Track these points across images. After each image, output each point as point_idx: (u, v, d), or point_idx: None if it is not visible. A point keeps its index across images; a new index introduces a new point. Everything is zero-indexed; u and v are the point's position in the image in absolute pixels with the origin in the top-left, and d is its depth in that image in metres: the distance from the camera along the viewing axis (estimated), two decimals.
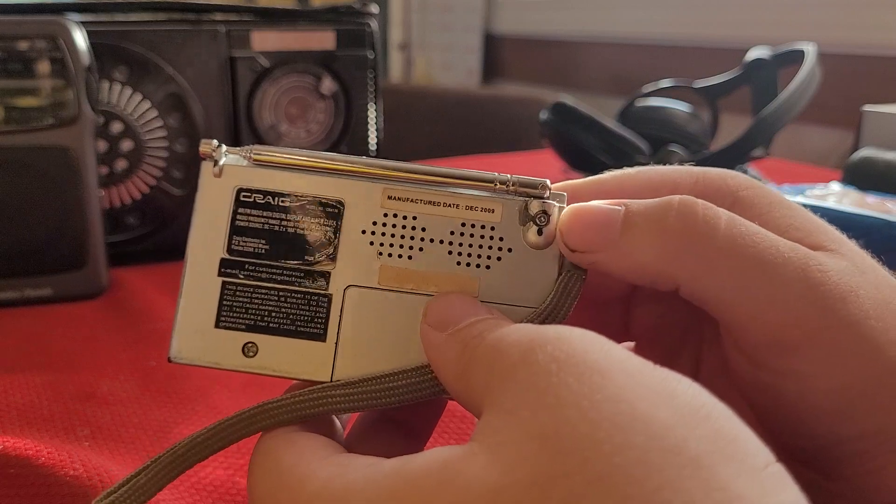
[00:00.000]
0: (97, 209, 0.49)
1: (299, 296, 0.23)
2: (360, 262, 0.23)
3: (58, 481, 0.29)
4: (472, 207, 0.23)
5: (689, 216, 0.21)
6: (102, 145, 0.53)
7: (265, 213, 0.23)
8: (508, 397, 0.18)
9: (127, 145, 0.54)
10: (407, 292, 0.23)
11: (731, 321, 0.21)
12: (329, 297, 0.23)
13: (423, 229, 0.23)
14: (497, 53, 2.19)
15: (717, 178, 0.24)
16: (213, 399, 0.38)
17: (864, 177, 0.61)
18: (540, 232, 0.22)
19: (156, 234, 0.57)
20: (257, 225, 0.23)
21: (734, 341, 0.22)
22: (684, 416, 0.16)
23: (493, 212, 0.23)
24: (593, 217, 0.22)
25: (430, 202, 0.23)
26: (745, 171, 0.74)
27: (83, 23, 0.49)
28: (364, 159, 0.23)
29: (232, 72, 0.57)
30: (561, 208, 0.23)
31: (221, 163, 0.23)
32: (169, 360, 0.23)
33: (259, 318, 0.23)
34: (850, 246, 0.22)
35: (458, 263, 0.23)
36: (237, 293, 0.23)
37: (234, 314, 0.23)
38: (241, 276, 0.23)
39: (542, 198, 0.23)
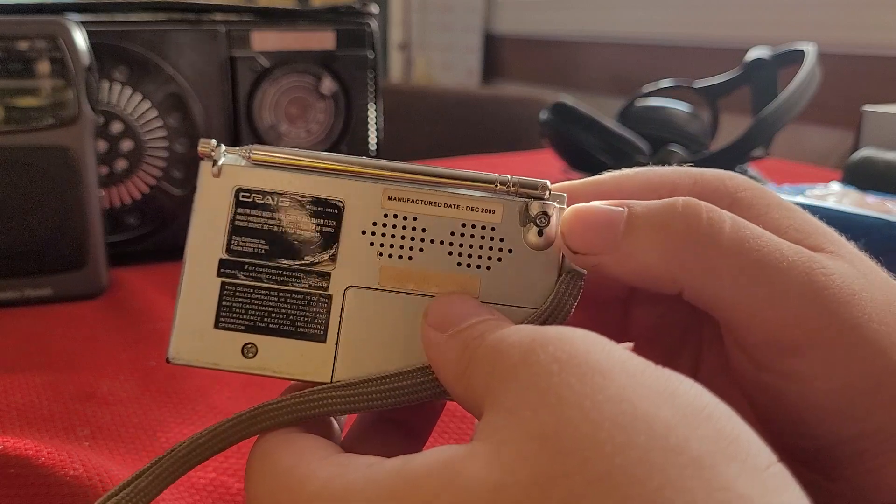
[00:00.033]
0: (97, 209, 0.49)
1: (299, 296, 0.23)
2: (361, 263, 0.23)
3: (58, 481, 0.29)
4: (472, 208, 0.23)
5: (693, 219, 0.21)
6: (102, 145, 0.53)
7: (264, 214, 0.23)
8: (509, 397, 0.18)
9: (127, 145, 0.54)
10: (407, 293, 0.23)
11: (734, 323, 0.21)
12: (329, 298, 0.23)
13: (424, 230, 0.23)
14: (497, 53, 2.19)
15: (716, 179, 0.24)
16: (213, 399, 0.38)
17: (864, 177, 0.61)
18: (540, 233, 0.22)
19: (156, 234, 0.57)
20: (256, 225, 0.23)
21: (737, 343, 0.22)
22: (686, 416, 0.16)
23: (493, 212, 0.23)
24: (595, 218, 0.22)
25: (430, 203, 0.23)
26: (745, 172, 0.75)
27: (83, 23, 0.49)
28: (364, 159, 0.23)
29: (232, 72, 0.57)
30: (561, 209, 0.22)
31: (220, 163, 0.22)
32: (167, 361, 0.23)
33: (259, 318, 0.23)
34: (849, 248, 0.22)
35: (459, 264, 0.23)
36: (236, 294, 0.23)
37: (234, 315, 0.23)
38: (241, 277, 0.23)
39: (542, 199, 0.22)
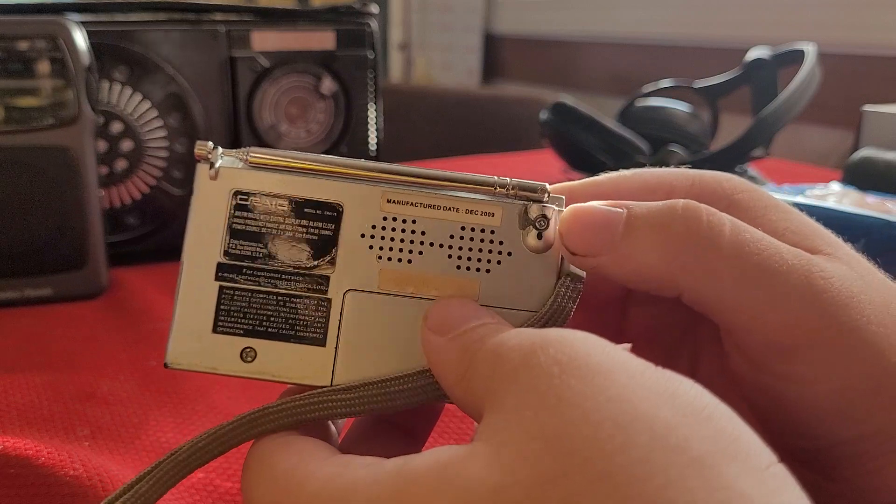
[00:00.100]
0: (97, 209, 0.49)
1: (298, 300, 0.22)
2: (360, 266, 0.22)
3: (58, 481, 0.29)
4: (471, 211, 0.22)
5: (693, 221, 0.21)
6: (102, 145, 0.53)
7: (262, 217, 0.22)
8: (510, 399, 0.18)
9: (127, 145, 0.54)
10: (407, 296, 0.22)
11: (733, 326, 0.21)
12: (329, 302, 0.22)
13: (423, 233, 0.22)
14: (497, 53, 2.19)
15: (713, 180, 0.24)
16: (213, 399, 0.38)
17: (864, 177, 0.61)
18: (539, 236, 0.22)
19: (156, 234, 0.57)
20: (254, 228, 0.22)
21: (736, 345, 0.22)
22: (687, 416, 0.16)
23: (492, 215, 0.22)
24: (594, 218, 0.22)
25: (429, 206, 0.22)
26: (745, 172, 0.75)
27: (83, 23, 0.49)
28: (362, 162, 0.23)
29: (232, 72, 0.57)
30: (560, 212, 0.22)
31: (217, 165, 0.22)
32: (165, 366, 0.22)
33: (257, 322, 0.22)
34: (846, 249, 0.22)
35: (458, 267, 0.23)
36: (235, 297, 0.22)
37: (232, 319, 0.22)
38: (239, 281, 0.22)
39: (541, 202, 0.22)
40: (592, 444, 0.16)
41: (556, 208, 0.22)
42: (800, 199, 0.48)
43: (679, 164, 0.64)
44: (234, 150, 0.23)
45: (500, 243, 0.23)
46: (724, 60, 1.03)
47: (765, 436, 0.17)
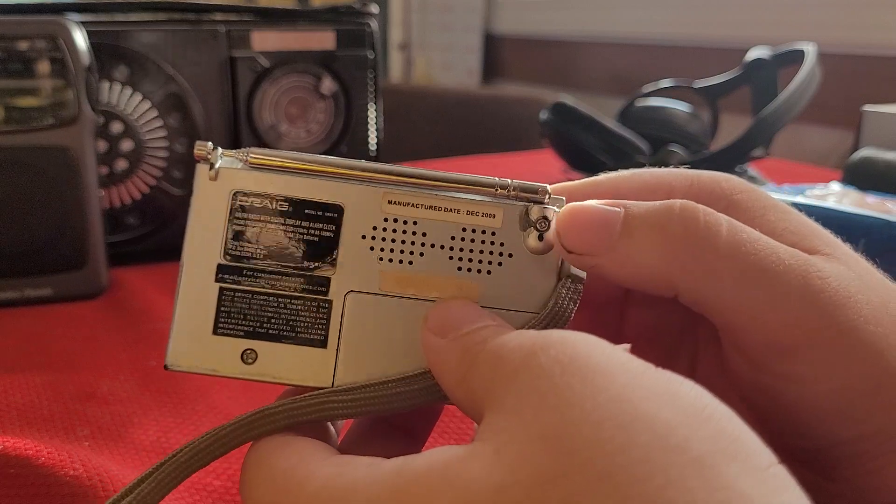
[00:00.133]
0: (97, 209, 0.49)
1: (299, 302, 0.22)
2: (361, 268, 0.22)
3: (58, 481, 0.29)
4: (472, 212, 0.22)
5: (690, 221, 0.21)
6: (102, 145, 0.53)
7: (263, 218, 0.22)
8: (511, 399, 0.18)
9: (127, 145, 0.54)
10: (408, 298, 0.22)
11: (731, 326, 0.21)
12: (329, 303, 0.22)
13: (424, 234, 0.22)
14: (497, 53, 2.19)
15: (712, 181, 0.24)
16: (213, 399, 0.38)
17: (864, 177, 0.61)
18: (540, 237, 0.22)
19: (156, 234, 0.57)
20: (255, 229, 0.22)
21: (734, 345, 0.22)
22: (687, 417, 0.16)
23: (493, 217, 0.22)
24: (591, 217, 0.22)
25: (430, 207, 0.22)
26: (745, 172, 0.75)
27: (83, 23, 0.49)
28: (363, 163, 0.23)
29: (232, 72, 0.57)
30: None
31: (217, 166, 0.22)
32: (165, 368, 0.22)
33: (258, 324, 0.22)
34: (845, 249, 0.22)
35: (459, 269, 0.22)
36: (235, 299, 0.22)
37: (233, 321, 0.22)
38: (239, 282, 0.22)
39: (542, 203, 0.22)
40: (593, 443, 0.16)
41: (557, 210, 0.22)
42: (800, 199, 0.48)
43: (679, 164, 0.64)
44: (234, 151, 0.23)
45: (501, 245, 0.22)
46: (724, 60, 1.03)
47: (764, 436, 0.17)
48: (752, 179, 0.74)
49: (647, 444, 0.16)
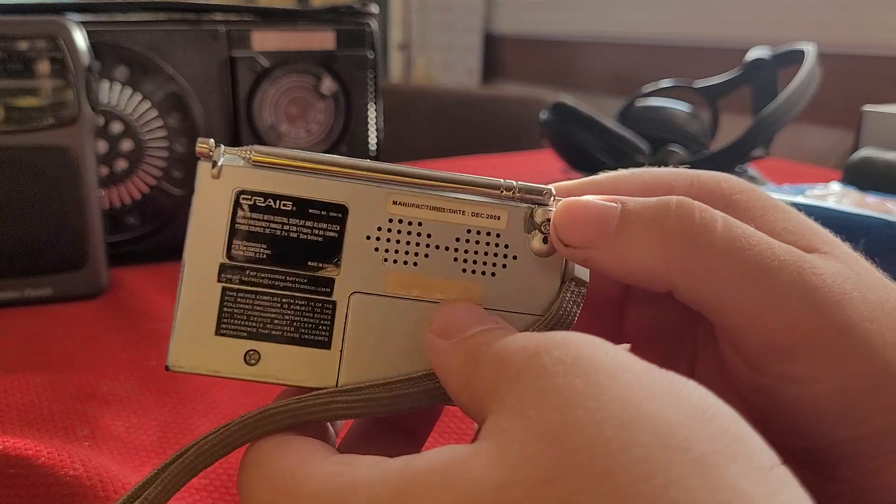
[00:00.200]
0: (97, 209, 0.49)
1: (303, 302, 0.22)
2: (365, 269, 0.22)
3: (58, 481, 0.29)
4: (477, 214, 0.22)
5: (686, 217, 0.21)
6: (102, 145, 0.53)
7: (266, 217, 0.22)
8: (514, 399, 0.18)
9: (127, 145, 0.54)
10: (412, 299, 0.22)
11: (727, 324, 0.21)
12: (333, 304, 0.22)
13: (429, 235, 0.22)
14: (497, 53, 2.19)
15: (711, 181, 0.24)
16: (214, 398, 0.38)
17: (864, 177, 0.61)
18: (545, 240, 0.22)
19: (156, 234, 0.57)
20: (258, 229, 0.22)
21: (731, 344, 0.22)
22: (690, 416, 0.16)
23: (498, 219, 0.22)
24: (588, 211, 0.22)
25: (435, 208, 0.22)
26: (745, 172, 0.75)
27: (83, 23, 0.49)
28: (368, 163, 0.22)
29: (232, 72, 0.57)
30: None
31: (220, 163, 0.22)
32: (167, 369, 0.22)
33: (261, 325, 0.22)
34: (844, 248, 0.22)
35: (464, 270, 0.22)
36: (238, 300, 0.22)
37: (235, 321, 0.22)
38: (242, 282, 0.22)
39: (546, 205, 0.22)
40: (595, 443, 0.16)
41: None
42: (800, 199, 0.48)
43: (679, 164, 0.64)
44: (237, 149, 0.22)
45: (506, 247, 0.22)
46: (724, 60, 1.03)
47: (764, 436, 0.17)
48: (752, 179, 0.74)
49: (649, 444, 0.16)
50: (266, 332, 0.22)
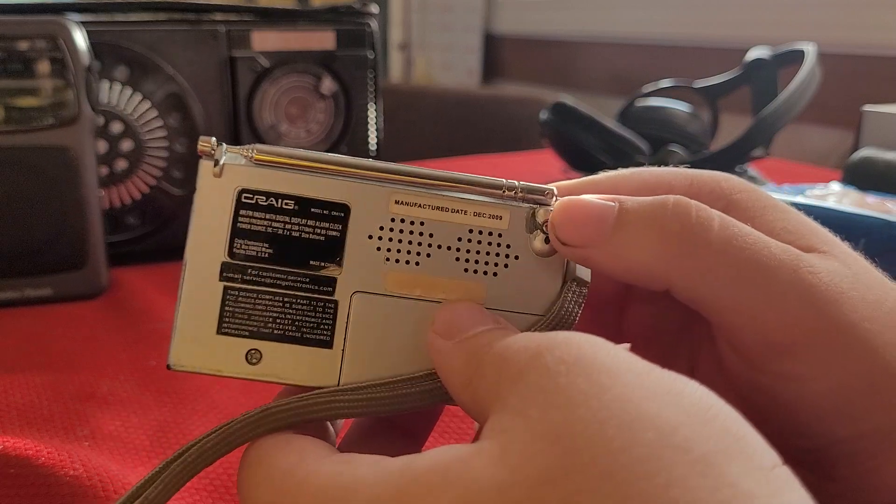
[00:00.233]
0: (97, 209, 0.49)
1: (305, 301, 0.22)
2: (367, 268, 0.22)
3: (58, 481, 0.29)
4: (479, 214, 0.22)
5: (683, 216, 0.21)
6: (102, 145, 0.53)
7: (268, 216, 0.22)
8: (517, 399, 0.18)
9: (127, 145, 0.54)
10: (414, 299, 0.22)
11: (724, 323, 0.21)
12: (335, 304, 0.22)
13: (431, 235, 0.22)
14: (497, 53, 2.19)
15: (711, 180, 0.24)
16: (214, 398, 0.38)
17: (864, 177, 0.61)
18: (547, 240, 0.22)
19: (156, 234, 0.57)
20: (260, 228, 0.22)
21: (728, 342, 0.22)
22: (692, 416, 0.16)
23: (500, 219, 0.22)
24: (586, 210, 0.22)
25: (437, 208, 0.22)
26: (745, 172, 0.75)
27: (83, 23, 0.49)
28: (370, 162, 0.22)
29: (232, 72, 0.57)
30: None
31: (222, 162, 0.22)
32: (168, 368, 0.22)
33: (263, 324, 0.22)
34: (843, 248, 0.22)
35: (466, 270, 0.22)
36: (240, 299, 0.22)
37: (237, 320, 0.22)
38: (244, 281, 0.22)
39: (548, 205, 0.22)
40: (597, 442, 0.16)
41: None
42: (800, 199, 0.48)
43: (679, 163, 0.64)
44: (239, 147, 0.22)
45: (508, 247, 0.22)
46: (724, 60, 1.03)
47: (763, 436, 0.17)
48: (752, 179, 0.74)
49: (651, 443, 0.16)
50: (268, 331, 0.22)
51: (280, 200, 0.22)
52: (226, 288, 0.22)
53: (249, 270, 0.22)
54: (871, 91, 1.14)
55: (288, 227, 0.22)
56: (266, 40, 0.58)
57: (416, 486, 0.17)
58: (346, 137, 0.61)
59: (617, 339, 0.26)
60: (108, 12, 0.56)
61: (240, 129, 0.58)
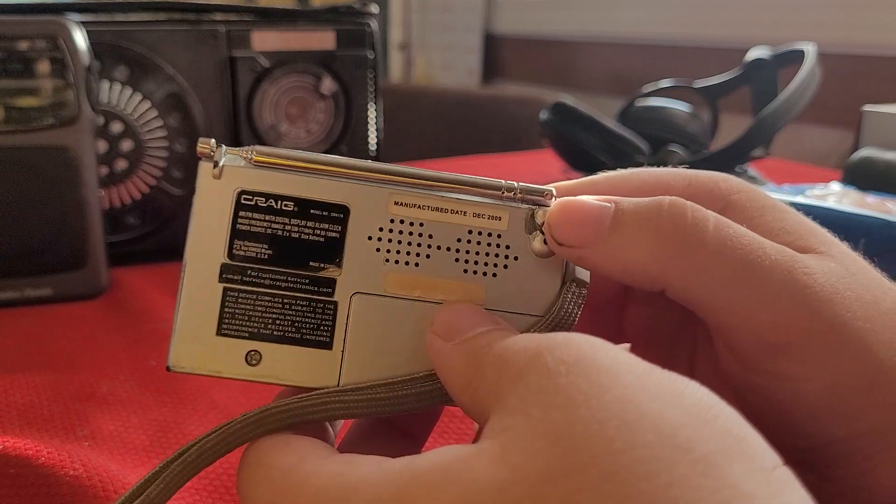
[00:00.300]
0: (97, 209, 0.49)
1: (304, 303, 0.22)
2: (367, 269, 0.22)
3: (58, 481, 0.29)
4: (478, 215, 0.22)
5: (678, 217, 0.21)
6: (102, 145, 0.53)
7: (268, 217, 0.22)
8: (517, 399, 0.18)
9: (127, 145, 0.54)
10: (414, 300, 0.22)
11: (719, 323, 0.21)
12: (335, 305, 0.22)
13: (430, 236, 0.22)
14: (497, 53, 2.19)
15: (710, 181, 0.24)
16: (214, 398, 0.38)
17: (864, 177, 0.61)
18: (546, 241, 0.22)
19: (156, 234, 0.57)
20: (259, 229, 0.22)
21: (724, 343, 0.22)
22: (692, 417, 0.16)
23: (499, 219, 0.22)
24: (582, 212, 0.22)
25: (437, 209, 0.22)
26: (745, 172, 0.75)
27: (83, 23, 0.49)
28: (370, 163, 0.22)
29: (232, 72, 0.57)
30: None
31: (221, 163, 0.22)
32: (168, 370, 0.22)
33: (262, 325, 0.22)
34: (841, 248, 0.23)
35: (465, 271, 0.22)
36: (239, 300, 0.22)
37: (237, 322, 0.22)
38: (244, 283, 0.22)
39: (547, 206, 0.22)
40: (597, 442, 0.16)
41: None
42: (800, 199, 0.48)
43: (679, 164, 0.64)
44: (238, 149, 0.22)
45: (507, 247, 0.22)
46: (724, 60, 1.03)
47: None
48: (752, 179, 0.74)
49: (652, 444, 0.16)
50: (267, 332, 0.22)
51: (279, 202, 0.22)
52: (225, 289, 0.22)
53: (249, 272, 0.22)
54: (871, 91, 1.14)
55: (287, 228, 0.22)
56: (266, 40, 0.58)
57: (416, 486, 0.17)
58: (346, 137, 0.61)
59: (617, 340, 0.27)
60: (108, 12, 0.56)
61: (240, 129, 0.58)
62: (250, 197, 0.22)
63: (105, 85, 0.53)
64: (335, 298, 0.22)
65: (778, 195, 0.46)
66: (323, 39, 0.59)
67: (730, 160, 0.70)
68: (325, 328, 0.22)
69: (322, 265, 0.22)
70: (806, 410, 0.21)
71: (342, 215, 0.22)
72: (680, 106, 0.78)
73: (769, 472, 0.16)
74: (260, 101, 0.59)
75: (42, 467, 0.29)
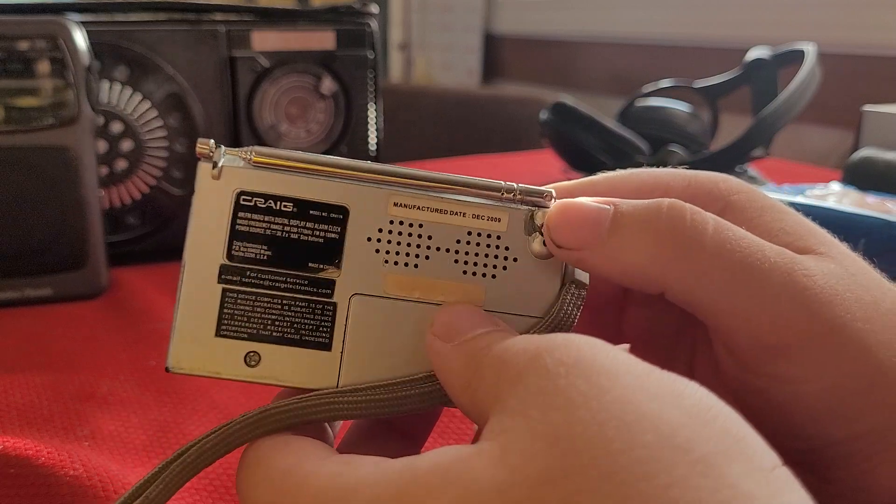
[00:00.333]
0: (97, 209, 0.49)
1: (304, 304, 0.22)
2: (366, 270, 0.22)
3: (58, 481, 0.29)
4: (478, 216, 0.22)
5: (677, 219, 0.21)
6: (102, 145, 0.53)
7: (267, 218, 0.22)
8: (516, 400, 0.18)
9: (127, 145, 0.54)
10: (413, 301, 0.22)
11: (718, 325, 0.21)
12: (334, 306, 0.22)
13: (430, 237, 0.22)
14: (497, 53, 2.19)
15: (709, 181, 0.24)
16: (214, 398, 0.38)
17: (864, 177, 0.61)
18: (545, 242, 0.22)
19: (156, 234, 0.57)
20: (259, 230, 0.22)
21: (723, 345, 0.22)
22: (691, 417, 0.16)
23: (499, 221, 0.22)
24: (581, 214, 0.22)
25: (436, 210, 0.22)
26: (745, 172, 0.75)
27: (83, 23, 0.49)
28: (369, 164, 0.22)
29: (232, 72, 0.57)
30: None
31: (220, 164, 0.22)
32: (167, 370, 0.22)
33: (262, 326, 0.22)
34: (841, 249, 0.22)
35: (465, 272, 0.22)
36: (238, 301, 0.22)
37: (236, 323, 0.22)
38: (243, 284, 0.22)
39: (546, 207, 0.22)
40: (597, 443, 0.16)
41: None
42: (800, 199, 0.48)
43: (679, 164, 0.64)
44: (237, 149, 0.22)
45: (506, 249, 0.22)
46: (724, 60, 1.03)
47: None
48: (752, 179, 0.74)
49: (651, 444, 0.16)
50: (267, 333, 0.22)
51: (279, 203, 0.22)
52: (224, 290, 0.22)
53: (248, 273, 0.22)
54: (871, 91, 1.14)
55: (287, 229, 0.22)
56: (266, 40, 0.58)
57: (416, 486, 0.17)
58: (346, 137, 0.61)
59: (616, 342, 0.27)
60: (108, 12, 0.56)
61: (240, 129, 0.58)
62: (249, 198, 0.22)
63: (105, 85, 0.53)
64: (334, 299, 0.22)
65: (778, 195, 0.46)
66: (323, 39, 0.59)
67: (730, 160, 0.70)
68: (325, 329, 0.22)
69: (321, 266, 0.22)
70: (805, 412, 0.21)
71: (341, 216, 0.22)
72: (680, 106, 0.78)
73: (768, 472, 0.16)
74: (260, 101, 0.59)
75: (42, 467, 0.29)
